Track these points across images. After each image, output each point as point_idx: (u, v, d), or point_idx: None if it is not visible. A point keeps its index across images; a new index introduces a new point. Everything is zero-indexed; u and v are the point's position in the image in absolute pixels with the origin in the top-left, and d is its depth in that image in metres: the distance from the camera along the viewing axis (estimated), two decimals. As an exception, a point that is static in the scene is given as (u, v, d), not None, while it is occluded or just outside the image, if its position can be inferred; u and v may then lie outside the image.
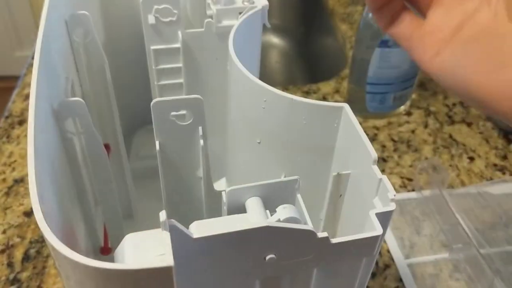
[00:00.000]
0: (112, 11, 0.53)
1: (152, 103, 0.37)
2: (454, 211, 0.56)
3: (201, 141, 0.40)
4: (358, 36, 0.68)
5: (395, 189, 0.61)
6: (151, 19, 0.46)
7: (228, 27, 0.46)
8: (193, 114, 0.38)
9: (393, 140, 0.69)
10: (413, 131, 0.70)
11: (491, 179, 0.63)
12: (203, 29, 0.47)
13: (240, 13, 0.47)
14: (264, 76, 0.43)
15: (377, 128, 0.71)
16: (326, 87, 0.78)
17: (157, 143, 0.39)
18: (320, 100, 0.36)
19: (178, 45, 0.48)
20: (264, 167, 0.40)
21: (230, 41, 0.42)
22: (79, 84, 0.45)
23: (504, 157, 0.66)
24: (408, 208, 0.59)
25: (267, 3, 0.47)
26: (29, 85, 0.65)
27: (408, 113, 0.73)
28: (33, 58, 0.31)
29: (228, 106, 0.44)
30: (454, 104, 0.75)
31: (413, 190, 0.62)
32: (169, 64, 0.49)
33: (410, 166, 0.65)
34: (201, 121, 0.39)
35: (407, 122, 0.72)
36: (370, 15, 0.64)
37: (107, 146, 0.48)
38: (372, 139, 0.69)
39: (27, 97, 0.73)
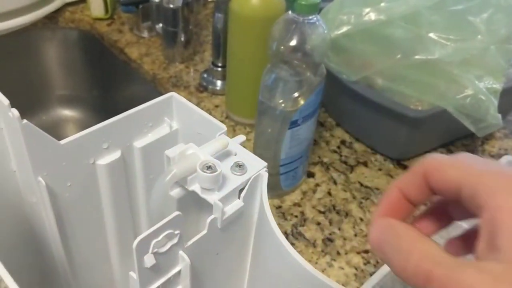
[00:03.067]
0: None
1: None
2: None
3: None
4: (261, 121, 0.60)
5: (362, 270, 0.58)
6: (149, 260, 0.30)
7: (233, 215, 0.34)
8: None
9: (320, 211, 0.64)
10: (329, 193, 0.67)
11: (421, 215, 0.65)
12: (205, 231, 0.33)
13: (241, 190, 0.35)
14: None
15: (299, 205, 0.65)
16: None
17: None
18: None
19: (178, 268, 0.33)
20: None
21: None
22: None
23: (414, 187, 0.68)
24: (389, 286, 0.56)
25: (265, 164, 0.36)
26: None
27: (311, 174, 0.69)
28: None
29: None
30: (339, 147, 0.74)
31: (377, 263, 0.59)
32: (169, 293, 0.34)
33: (355, 235, 0.61)
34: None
35: (317, 185, 0.68)
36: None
37: None
38: (303, 219, 0.63)
39: None
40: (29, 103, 0.93)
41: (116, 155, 0.39)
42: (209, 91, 0.80)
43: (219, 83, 0.79)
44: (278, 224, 0.59)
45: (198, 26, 0.93)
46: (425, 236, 0.25)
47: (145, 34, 0.91)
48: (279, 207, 0.64)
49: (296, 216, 0.63)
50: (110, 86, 0.94)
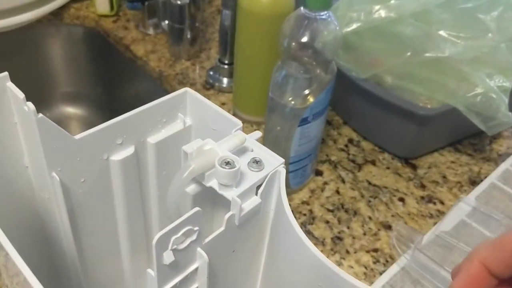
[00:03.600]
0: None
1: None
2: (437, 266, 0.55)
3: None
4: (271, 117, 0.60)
5: (371, 269, 0.58)
6: (168, 257, 0.29)
7: (250, 211, 0.34)
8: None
9: (328, 210, 0.64)
10: (337, 191, 0.66)
11: (430, 214, 0.64)
12: (223, 228, 0.33)
13: (258, 187, 0.35)
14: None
15: (307, 203, 0.64)
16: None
17: None
18: None
19: (196, 265, 0.32)
20: None
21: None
22: None
23: (422, 186, 0.68)
24: (399, 285, 0.56)
25: (282, 160, 0.36)
26: None
27: (319, 172, 0.69)
28: None
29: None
30: (346, 146, 0.73)
31: (387, 262, 0.58)
32: (186, 290, 0.33)
33: (364, 234, 0.61)
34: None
35: (325, 183, 0.67)
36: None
37: None
38: (312, 217, 0.62)
39: None
40: (33, 100, 0.92)
41: (130, 151, 0.39)
42: (216, 89, 0.79)
43: (225, 80, 0.79)
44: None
45: (204, 24, 0.93)
46: None
47: (151, 31, 0.90)
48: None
49: (304, 215, 0.63)
50: (115, 83, 0.94)
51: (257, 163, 0.35)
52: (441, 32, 0.62)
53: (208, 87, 0.80)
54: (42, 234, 0.42)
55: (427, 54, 0.62)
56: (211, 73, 0.80)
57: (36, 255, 0.43)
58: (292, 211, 0.62)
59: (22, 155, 0.37)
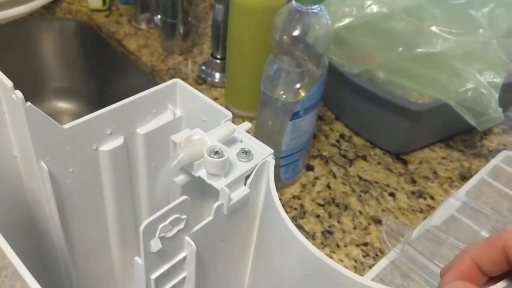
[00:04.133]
0: None
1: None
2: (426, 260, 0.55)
3: None
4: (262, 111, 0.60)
5: (361, 263, 0.58)
6: (155, 245, 0.29)
7: (239, 201, 0.34)
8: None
9: (319, 204, 0.64)
10: (328, 186, 0.66)
11: (420, 209, 0.65)
12: (212, 217, 0.33)
13: (247, 177, 0.35)
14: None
15: (298, 198, 0.64)
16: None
17: None
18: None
19: (184, 254, 0.32)
20: None
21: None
22: None
23: (413, 181, 0.68)
24: (389, 279, 0.56)
25: (271, 151, 0.36)
26: None
27: (311, 167, 0.69)
28: None
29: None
30: (338, 141, 0.74)
31: (376, 255, 0.59)
32: (174, 279, 0.33)
33: (355, 228, 0.61)
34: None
35: (316, 178, 0.68)
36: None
37: None
38: (303, 212, 0.62)
39: None
40: (25, 95, 0.91)
41: (119, 141, 0.39)
42: (208, 84, 0.79)
43: (217, 75, 0.79)
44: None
45: (196, 19, 0.93)
46: None
47: (143, 25, 0.90)
48: (279, 199, 0.64)
49: (295, 209, 0.63)
50: (107, 78, 0.93)
51: (246, 154, 0.35)
52: (433, 28, 0.62)
53: (201, 82, 0.80)
54: (31, 225, 0.41)
55: (419, 50, 0.62)
56: (204, 68, 0.80)
57: (24, 246, 0.42)
58: (283, 205, 0.63)
59: (11, 144, 0.37)
